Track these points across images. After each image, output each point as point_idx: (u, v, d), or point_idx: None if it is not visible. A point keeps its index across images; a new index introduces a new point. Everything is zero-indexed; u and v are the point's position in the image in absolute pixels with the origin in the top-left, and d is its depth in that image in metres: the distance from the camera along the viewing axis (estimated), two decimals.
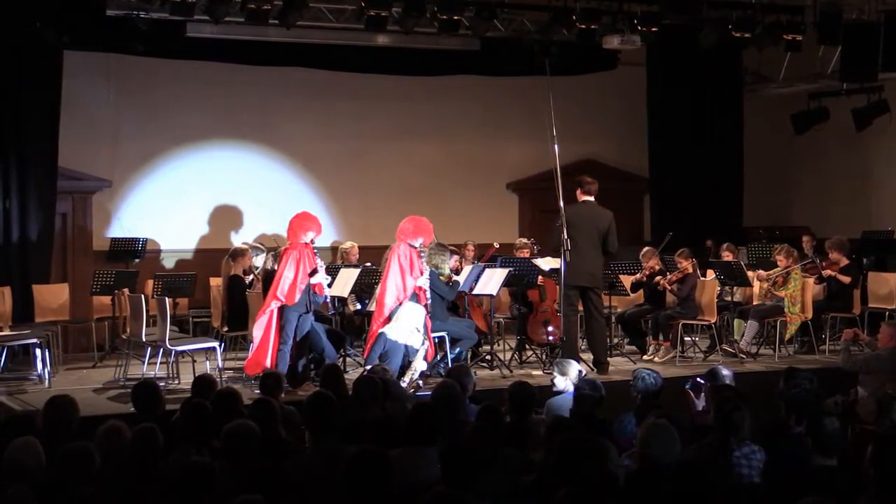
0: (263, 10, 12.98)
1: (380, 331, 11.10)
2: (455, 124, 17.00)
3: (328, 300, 11.53)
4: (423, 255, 11.34)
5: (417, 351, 11.04)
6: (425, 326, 11.18)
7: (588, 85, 17.17)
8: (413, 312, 11.09)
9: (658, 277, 13.14)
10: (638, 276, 13.41)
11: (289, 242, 11.16)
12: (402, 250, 11.31)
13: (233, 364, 12.37)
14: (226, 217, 15.74)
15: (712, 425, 6.87)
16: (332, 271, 12.22)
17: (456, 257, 12.73)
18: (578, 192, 11.86)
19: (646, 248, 13.80)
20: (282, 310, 10.86)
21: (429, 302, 11.30)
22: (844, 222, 16.80)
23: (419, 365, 11.01)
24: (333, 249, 15.40)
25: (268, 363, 10.74)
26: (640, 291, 13.63)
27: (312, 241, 10.98)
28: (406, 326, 11.02)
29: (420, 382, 10.87)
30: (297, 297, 10.78)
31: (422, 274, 11.27)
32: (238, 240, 15.03)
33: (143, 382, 8.03)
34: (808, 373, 7.96)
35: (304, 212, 11.38)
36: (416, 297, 11.23)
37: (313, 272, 10.87)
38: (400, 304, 11.16)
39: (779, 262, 13.21)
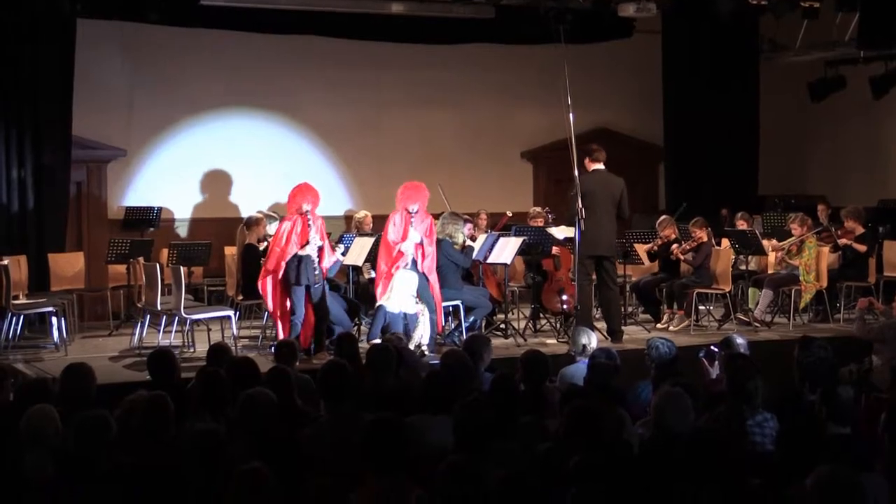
0: None
1: (378, 304, 11.13)
2: (469, 93, 16.96)
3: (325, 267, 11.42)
4: (413, 220, 11.25)
5: (417, 318, 11.05)
6: (433, 296, 11.20)
7: (603, 53, 17.09)
8: (406, 280, 11.09)
9: (673, 246, 13.13)
10: (650, 245, 13.41)
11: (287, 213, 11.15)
12: (396, 216, 11.31)
13: (248, 332, 12.42)
14: (240, 186, 15.76)
15: (726, 394, 6.88)
16: (346, 241, 12.25)
17: (469, 226, 12.72)
18: (587, 161, 11.78)
19: (662, 217, 13.79)
20: (285, 281, 10.86)
21: (406, 265, 11.22)
22: (860, 191, 16.75)
23: (424, 331, 11.03)
24: (347, 218, 15.43)
25: (280, 334, 10.79)
26: (655, 260, 13.63)
27: (307, 212, 10.90)
28: (401, 295, 11.04)
29: (425, 349, 10.86)
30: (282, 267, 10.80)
31: (405, 238, 11.21)
32: (252, 208, 15.01)
33: (158, 351, 8.07)
34: (823, 341, 7.94)
35: (301, 183, 11.27)
36: (415, 265, 11.23)
37: (304, 244, 10.82)
38: (390, 269, 11.18)
39: (793, 231, 13.18)
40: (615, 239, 12.08)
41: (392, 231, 11.24)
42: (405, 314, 11.08)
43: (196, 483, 5.34)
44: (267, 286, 10.89)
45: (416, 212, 11.23)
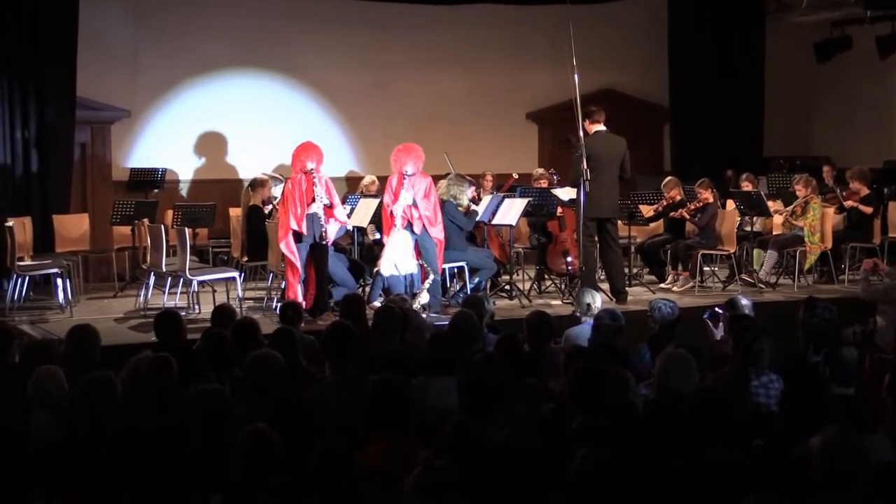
0: None
1: (375, 270, 11.11)
2: (475, 53, 16.88)
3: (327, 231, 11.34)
4: (406, 181, 11.18)
5: (420, 277, 11.04)
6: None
7: (609, 13, 17.01)
8: (398, 242, 11.07)
9: (680, 210, 13.10)
10: (655, 206, 13.38)
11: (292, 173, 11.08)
12: (393, 179, 11.27)
13: (252, 294, 12.44)
14: (245, 147, 15.71)
15: (731, 355, 6.89)
16: (351, 202, 12.24)
17: (473, 188, 12.72)
18: (587, 123, 11.60)
19: (668, 178, 13.75)
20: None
21: (397, 227, 11.22)
22: (866, 152, 16.69)
23: (423, 298, 11.01)
24: (348, 180, 15.44)
25: (292, 295, 10.73)
26: (660, 221, 13.62)
27: (313, 171, 10.85)
28: (398, 257, 11.03)
29: (429, 313, 10.84)
30: (302, 225, 10.71)
31: (396, 200, 11.14)
32: (257, 170, 14.99)
33: (165, 312, 8.06)
34: (828, 302, 7.94)
35: (304, 141, 11.20)
36: (410, 226, 11.18)
37: (311, 202, 10.76)
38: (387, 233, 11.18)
39: (797, 192, 13.15)
40: (618, 201, 12.03)
41: (387, 195, 11.22)
42: (409, 275, 11.06)
43: (202, 444, 5.36)
44: (292, 245, 10.79)
45: (412, 174, 11.18)
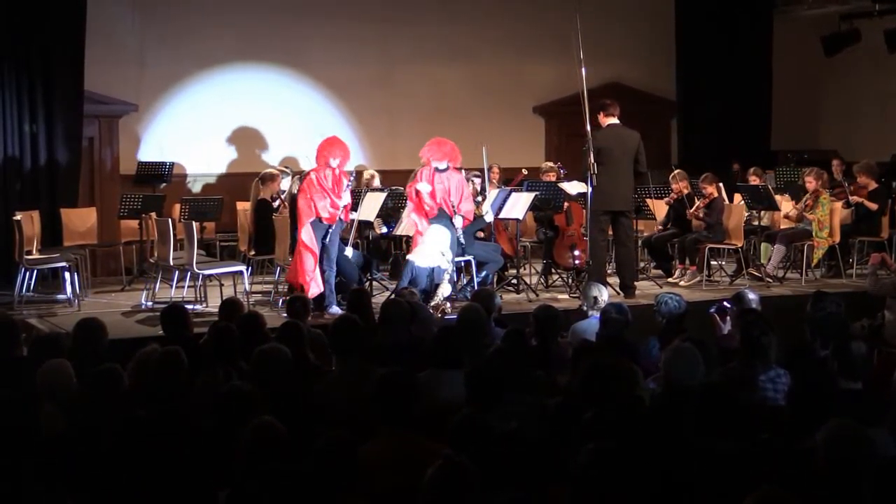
0: None
1: (407, 258, 11.11)
2: (481, 47, 16.87)
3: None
4: (437, 176, 11.28)
5: (444, 273, 11.04)
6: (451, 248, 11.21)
7: (616, 6, 17.01)
8: (438, 235, 11.08)
9: (690, 211, 13.04)
10: (668, 198, 13.33)
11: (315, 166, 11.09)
12: (421, 173, 11.32)
13: (260, 288, 12.44)
14: (252, 141, 15.72)
15: (738, 349, 6.88)
16: (358, 195, 12.22)
17: (478, 181, 12.71)
18: (601, 116, 11.66)
19: (676, 171, 13.70)
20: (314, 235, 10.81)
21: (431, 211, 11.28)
22: (874, 145, 16.66)
23: (445, 290, 11.02)
24: (358, 173, 15.42)
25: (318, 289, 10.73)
26: (666, 215, 13.59)
27: (339, 166, 10.89)
28: (431, 249, 11.02)
29: (448, 307, 10.85)
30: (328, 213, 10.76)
31: (421, 179, 11.23)
32: (263, 163, 15.02)
33: (171, 306, 8.08)
34: (836, 296, 7.93)
35: (331, 136, 11.29)
36: (448, 220, 11.22)
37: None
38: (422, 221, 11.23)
39: (807, 185, 13.10)
40: (632, 194, 11.99)
41: (421, 184, 11.27)
42: (431, 269, 11.07)
43: (208, 436, 5.37)
44: (311, 233, 10.78)
45: (446, 169, 11.26)
